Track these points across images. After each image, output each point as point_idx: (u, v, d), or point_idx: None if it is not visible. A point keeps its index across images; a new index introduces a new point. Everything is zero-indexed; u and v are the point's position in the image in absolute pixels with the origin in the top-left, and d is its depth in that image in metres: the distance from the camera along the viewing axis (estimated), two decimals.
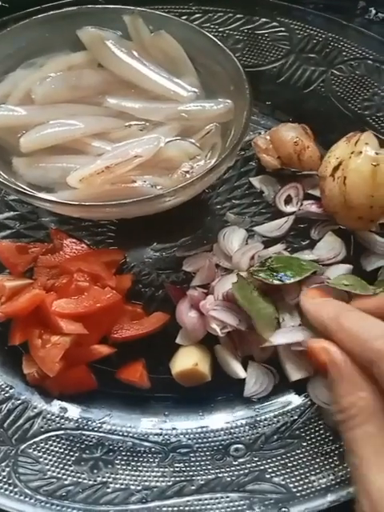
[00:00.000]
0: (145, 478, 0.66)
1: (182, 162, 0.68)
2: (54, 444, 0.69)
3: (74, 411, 0.71)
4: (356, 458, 0.52)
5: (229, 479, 0.66)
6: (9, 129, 0.70)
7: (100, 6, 0.71)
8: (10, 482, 0.65)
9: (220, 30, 0.94)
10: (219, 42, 0.70)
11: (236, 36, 0.95)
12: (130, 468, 0.67)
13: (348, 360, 0.55)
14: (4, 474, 0.65)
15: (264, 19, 0.95)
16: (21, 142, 0.67)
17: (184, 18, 0.77)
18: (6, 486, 0.65)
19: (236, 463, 0.67)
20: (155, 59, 0.71)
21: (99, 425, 0.71)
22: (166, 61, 0.72)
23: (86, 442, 0.69)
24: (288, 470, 0.66)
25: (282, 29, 0.95)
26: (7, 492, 0.64)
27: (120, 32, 0.71)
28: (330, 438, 0.68)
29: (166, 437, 0.70)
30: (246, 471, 0.66)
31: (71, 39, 0.70)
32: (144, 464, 0.68)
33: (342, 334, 0.57)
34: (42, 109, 0.69)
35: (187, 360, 0.71)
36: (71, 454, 0.68)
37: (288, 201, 0.85)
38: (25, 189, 0.61)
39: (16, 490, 0.64)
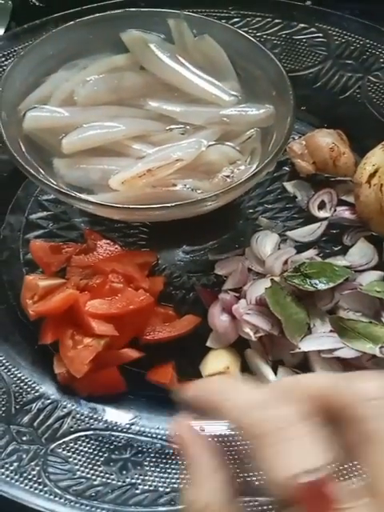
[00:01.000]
0: (173, 480, 0.66)
1: (222, 166, 0.68)
2: (84, 444, 0.69)
3: (103, 412, 0.71)
4: None
5: (257, 483, 0.66)
6: (50, 130, 0.70)
7: (145, 9, 0.71)
8: (39, 481, 0.65)
9: (258, 34, 0.93)
10: (263, 47, 0.69)
11: (273, 41, 0.95)
12: (158, 470, 0.67)
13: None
14: (34, 473, 0.65)
15: (302, 25, 0.95)
16: (63, 143, 0.68)
17: (223, 21, 0.77)
18: (35, 485, 0.64)
19: None
20: (197, 63, 0.71)
21: (128, 426, 0.70)
22: (208, 64, 0.72)
23: (114, 443, 0.69)
24: None
25: (320, 34, 0.94)
26: (37, 491, 0.64)
27: (163, 35, 0.71)
28: None
29: None
30: None
31: (113, 41, 0.71)
32: (173, 466, 0.67)
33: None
34: (84, 110, 0.70)
35: (218, 363, 0.71)
36: (100, 454, 0.68)
37: (321, 206, 0.85)
38: (67, 190, 0.61)
39: (46, 489, 0.64)
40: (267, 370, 0.72)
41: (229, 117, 0.71)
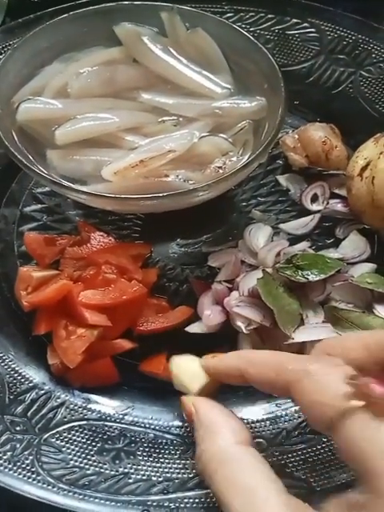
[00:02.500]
0: (166, 470, 0.67)
1: (214, 157, 0.69)
2: (77, 434, 0.69)
3: (96, 402, 0.72)
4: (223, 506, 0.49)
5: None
6: (43, 121, 0.70)
7: (138, 2, 0.71)
8: (33, 470, 0.65)
9: (251, 29, 0.94)
10: (255, 40, 0.70)
11: (266, 36, 0.95)
12: (151, 459, 0.67)
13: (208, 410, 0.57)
14: (27, 462, 0.66)
15: (295, 20, 0.95)
16: (56, 134, 0.68)
17: (216, 16, 0.77)
18: (29, 474, 0.65)
19: None
20: (190, 56, 0.71)
21: (121, 416, 0.71)
22: (201, 58, 0.72)
23: (108, 433, 0.69)
24: (309, 465, 0.66)
25: (313, 30, 0.95)
26: (30, 480, 0.64)
27: (156, 29, 0.72)
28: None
29: (188, 430, 0.70)
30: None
31: (106, 34, 0.71)
32: (166, 456, 0.68)
33: (253, 368, 0.55)
34: (77, 102, 0.70)
35: (196, 376, 0.71)
36: (93, 444, 0.68)
37: (314, 199, 0.86)
38: (60, 180, 0.62)
39: (39, 478, 0.65)
40: None
41: (221, 109, 0.71)
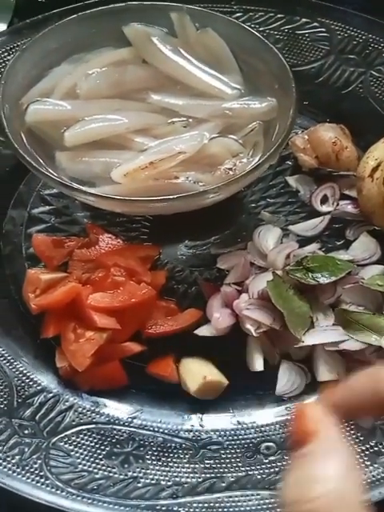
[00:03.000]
0: (175, 474, 0.66)
1: (224, 159, 0.68)
2: (86, 438, 0.69)
3: (105, 405, 0.71)
4: None
5: (259, 477, 0.66)
6: (52, 123, 0.70)
7: (147, 2, 0.71)
8: (41, 474, 0.65)
9: (260, 29, 0.93)
10: (266, 40, 0.69)
11: (276, 35, 0.95)
12: (160, 463, 0.67)
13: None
14: (36, 466, 0.65)
15: (304, 19, 0.95)
16: (66, 136, 0.68)
17: (225, 16, 0.77)
18: (37, 478, 0.65)
19: (267, 461, 0.67)
20: (200, 56, 0.71)
21: (130, 420, 0.71)
22: (211, 58, 0.72)
23: (116, 437, 0.69)
24: None
25: (323, 29, 0.95)
26: (39, 484, 0.64)
27: (165, 29, 0.71)
28: (361, 438, 0.67)
29: (197, 433, 0.70)
30: (277, 469, 0.66)
31: (116, 35, 0.71)
32: (174, 460, 0.68)
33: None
34: (87, 103, 0.70)
35: (196, 377, 0.71)
36: (102, 448, 0.68)
37: (324, 200, 0.85)
38: (69, 183, 0.61)
39: (48, 482, 0.64)
40: (257, 359, 0.72)
41: (231, 110, 0.71)
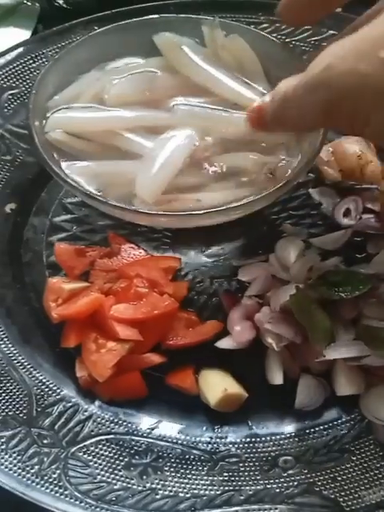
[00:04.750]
0: (193, 486, 0.66)
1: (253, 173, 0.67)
2: (104, 448, 0.69)
3: (123, 416, 0.71)
4: None
5: (278, 490, 0.66)
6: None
7: (180, 15, 0.71)
8: (60, 484, 0.65)
9: (287, 40, 0.93)
10: (293, 51, 0.68)
11: (302, 47, 0.94)
12: (178, 475, 0.67)
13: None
14: (54, 476, 0.65)
15: (331, 31, 0.93)
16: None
17: (251, 27, 0.76)
18: (56, 489, 0.65)
19: (285, 475, 0.67)
20: (229, 65, 0.69)
21: (149, 431, 0.70)
22: (240, 68, 0.70)
23: (135, 448, 0.69)
24: (337, 484, 0.66)
25: None
26: (57, 494, 0.64)
27: (197, 39, 0.70)
28: (381, 453, 0.67)
29: (215, 446, 0.70)
30: (295, 483, 0.66)
31: (146, 46, 0.70)
32: (193, 472, 0.67)
33: None
34: (109, 112, 0.68)
35: (215, 389, 0.71)
36: (121, 458, 0.68)
37: (346, 214, 0.84)
38: (96, 195, 0.61)
39: (66, 492, 0.64)
40: (277, 372, 0.72)
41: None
